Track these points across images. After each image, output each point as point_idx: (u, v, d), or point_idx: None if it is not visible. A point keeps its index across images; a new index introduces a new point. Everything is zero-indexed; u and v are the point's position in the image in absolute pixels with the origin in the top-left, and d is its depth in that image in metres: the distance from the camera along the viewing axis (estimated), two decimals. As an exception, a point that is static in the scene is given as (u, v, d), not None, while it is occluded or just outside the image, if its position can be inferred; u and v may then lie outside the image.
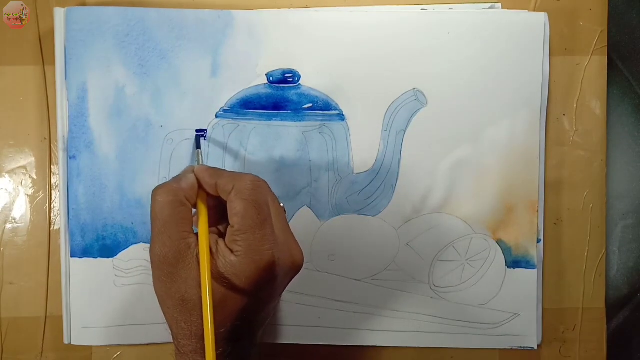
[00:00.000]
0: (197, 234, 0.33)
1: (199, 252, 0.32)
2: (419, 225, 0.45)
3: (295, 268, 0.35)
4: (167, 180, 0.44)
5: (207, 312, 0.30)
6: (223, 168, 0.36)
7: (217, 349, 0.31)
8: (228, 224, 0.33)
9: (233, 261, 0.32)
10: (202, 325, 0.31)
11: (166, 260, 0.32)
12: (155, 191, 0.33)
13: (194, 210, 0.34)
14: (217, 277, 0.32)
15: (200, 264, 0.31)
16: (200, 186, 0.35)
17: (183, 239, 0.32)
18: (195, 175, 0.35)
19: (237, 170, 0.44)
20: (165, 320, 0.34)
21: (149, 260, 0.44)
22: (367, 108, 0.44)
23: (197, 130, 0.44)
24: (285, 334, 0.45)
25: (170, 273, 0.32)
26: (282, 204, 0.37)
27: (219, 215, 0.36)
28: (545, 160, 0.46)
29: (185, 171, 0.36)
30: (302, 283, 0.45)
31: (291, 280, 0.35)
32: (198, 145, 0.43)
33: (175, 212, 0.32)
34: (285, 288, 0.36)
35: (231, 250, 0.32)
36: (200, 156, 0.42)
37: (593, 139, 0.46)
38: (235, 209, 0.32)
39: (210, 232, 0.33)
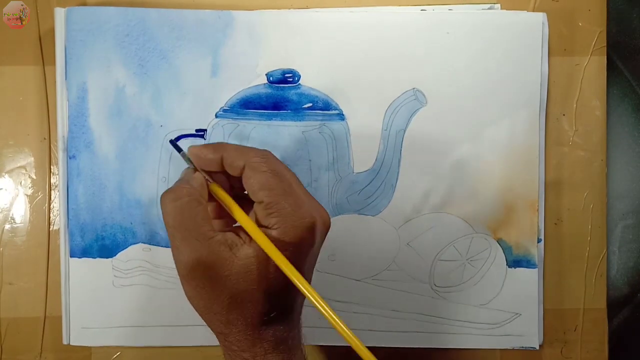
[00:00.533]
0: (223, 231, 0.31)
1: (233, 245, 0.30)
2: (420, 224, 0.45)
3: (327, 226, 0.33)
4: (165, 181, 0.44)
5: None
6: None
7: (265, 333, 0.30)
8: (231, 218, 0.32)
9: (275, 236, 0.30)
10: (257, 311, 0.30)
11: (202, 264, 0.30)
12: (165, 197, 0.31)
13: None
14: (260, 260, 0.30)
15: (257, 239, 0.30)
16: (207, 180, 0.33)
17: (212, 237, 0.30)
18: (194, 154, 0.33)
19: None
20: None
21: (149, 261, 0.44)
22: (367, 108, 0.44)
23: (172, 140, 0.43)
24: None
25: (209, 277, 0.30)
26: None
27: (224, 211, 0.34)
28: (545, 160, 0.46)
29: (185, 173, 0.34)
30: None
31: (324, 240, 0.34)
32: (178, 149, 0.42)
33: (196, 213, 0.30)
34: (320, 248, 0.34)
35: (267, 227, 0.31)
36: (187, 156, 0.41)
37: (593, 139, 0.46)
38: (257, 183, 0.31)
39: (235, 228, 0.32)
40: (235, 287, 0.30)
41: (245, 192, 0.33)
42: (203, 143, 0.44)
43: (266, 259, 0.30)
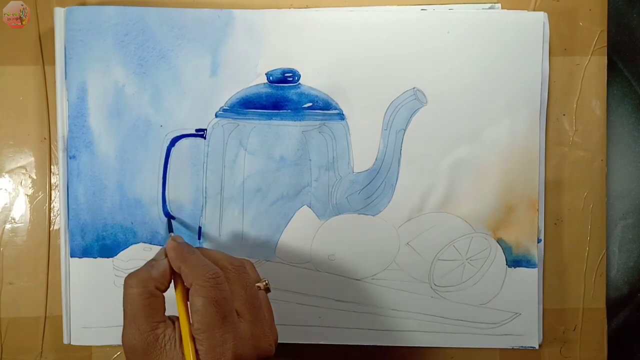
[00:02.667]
0: (171, 320, 0.33)
1: (167, 342, 0.32)
2: (419, 224, 0.45)
3: (265, 357, 0.34)
4: (167, 185, 0.44)
5: None
6: (193, 248, 0.36)
7: None
8: None
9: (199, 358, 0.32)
10: None
11: (135, 350, 0.32)
12: (126, 280, 0.33)
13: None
14: None
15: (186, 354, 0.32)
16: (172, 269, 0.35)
17: (152, 330, 0.32)
18: (169, 248, 0.35)
19: (236, 169, 0.44)
20: None
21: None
22: (367, 107, 0.44)
23: (166, 215, 0.44)
24: (286, 333, 0.45)
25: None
26: (265, 282, 0.36)
27: None
28: (546, 160, 0.46)
29: (159, 254, 0.36)
30: (303, 283, 0.45)
31: None
32: (170, 229, 0.44)
33: (145, 303, 0.33)
34: None
35: (195, 348, 0.32)
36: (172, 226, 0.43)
37: (593, 139, 0.46)
38: (194, 306, 0.32)
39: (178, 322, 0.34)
40: None
41: None
42: (204, 143, 0.44)
43: None
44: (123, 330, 0.33)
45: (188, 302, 0.33)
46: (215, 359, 0.31)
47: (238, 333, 0.33)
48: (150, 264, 0.35)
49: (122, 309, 0.44)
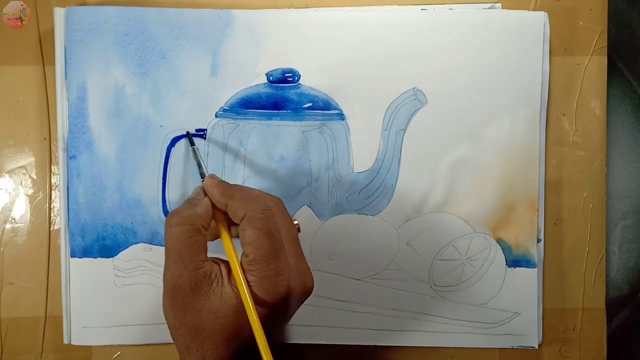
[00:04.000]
0: (213, 261, 0.33)
1: (214, 280, 0.32)
2: (419, 224, 0.45)
3: (307, 293, 0.34)
4: (167, 186, 0.44)
5: (260, 340, 0.30)
6: (232, 183, 0.36)
7: None
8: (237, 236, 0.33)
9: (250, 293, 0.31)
10: (214, 354, 0.31)
11: (181, 289, 0.31)
12: (170, 219, 0.32)
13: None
14: (232, 308, 0.31)
15: (240, 291, 0.31)
16: (214, 206, 0.34)
17: (199, 268, 0.32)
18: (207, 186, 0.34)
19: (236, 169, 0.44)
20: (165, 322, 0.34)
21: (150, 260, 0.44)
22: (367, 107, 0.44)
23: (185, 136, 0.44)
24: (286, 333, 0.45)
25: (185, 303, 0.31)
26: (296, 222, 0.36)
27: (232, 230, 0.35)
28: (546, 160, 0.46)
29: (197, 193, 0.35)
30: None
31: (301, 304, 0.35)
32: (192, 142, 0.43)
33: (191, 241, 0.32)
34: (294, 312, 0.35)
35: (246, 280, 0.32)
36: (198, 154, 0.41)
37: (593, 139, 0.46)
38: (248, 237, 0.32)
39: (222, 262, 0.33)
40: (203, 321, 0.31)
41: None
42: (205, 143, 0.44)
43: (238, 308, 0.31)
44: (166, 271, 0.32)
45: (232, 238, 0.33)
46: (270, 290, 0.31)
47: (289, 265, 0.32)
48: (191, 202, 0.34)
49: (122, 308, 0.44)
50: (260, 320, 0.31)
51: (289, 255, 0.33)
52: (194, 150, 0.42)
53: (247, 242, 0.32)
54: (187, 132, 0.44)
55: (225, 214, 0.34)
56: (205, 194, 0.35)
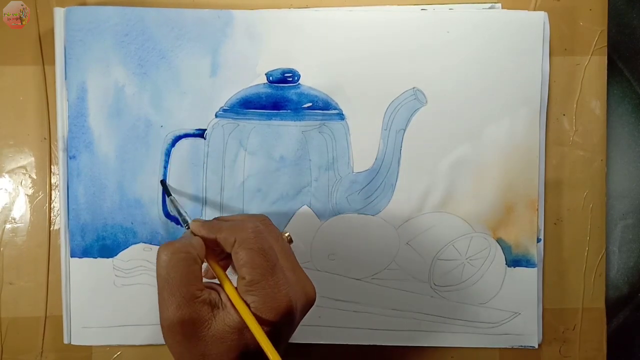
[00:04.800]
0: (209, 287, 0.33)
1: (214, 308, 0.31)
2: (419, 224, 0.45)
3: (310, 303, 0.34)
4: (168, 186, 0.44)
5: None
6: (220, 217, 0.36)
7: None
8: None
9: (252, 314, 0.31)
10: None
11: (182, 322, 0.31)
12: (163, 249, 0.32)
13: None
14: (236, 330, 0.31)
15: (241, 313, 0.31)
16: (207, 244, 0.34)
17: (197, 297, 0.31)
18: (194, 229, 0.34)
19: (236, 169, 0.44)
20: None
21: (150, 260, 0.44)
22: (366, 107, 0.44)
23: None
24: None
25: (187, 333, 0.31)
26: (287, 234, 0.36)
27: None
28: (545, 160, 0.46)
29: (187, 234, 0.35)
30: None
31: (305, 315, 0.35)
32: (168, 193, 0.43)
33: (188, 271, 0.31)
34: (299, 323, 0.35)
35: (246, 303, 0.31)
36: (177, 204, 0.40)
37: (593, 139, 0.46)
38: (242, 259, 0.32)
39: (218, 287, 0.33)
40: (208, 348, 0.31)
41: None
42: (204, 143, 0.44)
43: (241, 329, 0.31)
44: (163, 309, 0.31)
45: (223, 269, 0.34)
46: (272, 307, 0.31)
47: (287, 279, 0.32)
48: (184, 237, 0.34)
49: (122, 308, 0.44)
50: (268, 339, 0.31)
51: (285, 269, 0.33)
52: (171, 201, 0.41)
53: (242, 264, 0.32)
54: (162, 181, 0.44)
55: (215, 249, 0.34)
56: (194, 235, 0.35)
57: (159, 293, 0.32)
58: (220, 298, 0.32)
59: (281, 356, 0.30)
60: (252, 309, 0.31)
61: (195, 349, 0.31)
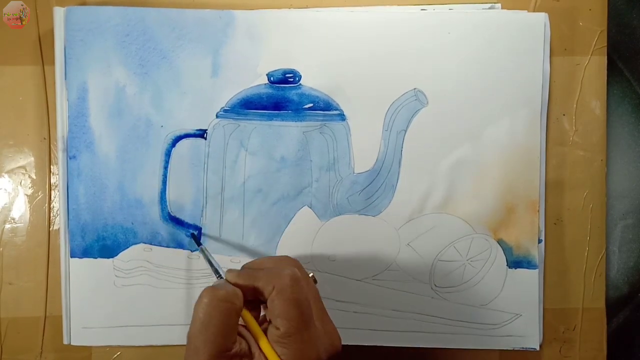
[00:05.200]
0: (239, 335, 0.32)
1: (244, 356, 0.31)
2: (420, 225, 0.45)
3: (336, 354, 0.34)
4: (167, 185, 0.44)
5: None
6: (252, 265, 0.35)
7: None
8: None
9: None
10: None
11: None
12: (208, 294, 0.31)
13: None
14: None
15: None
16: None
17: (230, 350, 0.31)
18: (230, 279, 0.33)
19: (237, 170, 0.44)
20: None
21: (150, 261, 0.44)
22: (367, 108, 0.44)
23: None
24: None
25: None
26: (311, 274, 0.35)
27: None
28: (546, 160, 0.46)
29: (222, 282, 0.34)
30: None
31: None
32: (199, 243, 0.42)
33: (230, 322, 0.31)
34: None
35: (276, 353, 0.31)
36: (207, 253, 0.40)
37: (593, 139, 0.46)
38: (278, 309, 0.31)
39: (248, 335, 0.33)
40: None
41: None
42: (205, 144, 0.44)
43: None
44: (193, 353, 0.30)
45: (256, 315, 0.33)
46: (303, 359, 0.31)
47: (318, 333, 0.32)
48: (227, 286, 0.33)
49: (122, 309, 0.44)
50: None
51: (316, 319, 0.32)
52: (202, 251, 0.40)
53: (277, 315, 0.31)
54: (192, 234, 0.44)
55: (248, 299, 0.33)
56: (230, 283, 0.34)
57: (191, 335, 0.31)
58: (250, 349, 0.31)
59: None
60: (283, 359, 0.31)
61: None
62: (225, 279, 0.34)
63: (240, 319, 0.32)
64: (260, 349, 0.31)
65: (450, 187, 0.45)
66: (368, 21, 0.44)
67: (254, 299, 0.33)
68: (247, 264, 0.36)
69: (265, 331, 0.32)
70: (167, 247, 0.45)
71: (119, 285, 0.44)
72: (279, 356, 0.31)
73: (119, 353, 0.46)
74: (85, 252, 0.44)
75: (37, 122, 0.46)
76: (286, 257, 0.35)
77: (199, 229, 0.44)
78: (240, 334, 0.32)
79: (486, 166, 0.45)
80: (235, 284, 0.33)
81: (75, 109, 0.44)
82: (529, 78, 0.45)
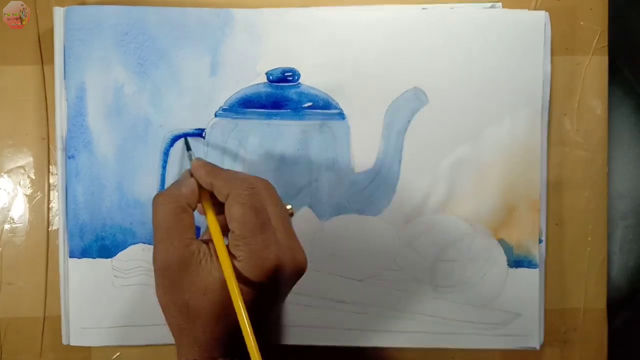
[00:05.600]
0: (201, 240, 0.33)
1: (202, 258, 0.32)
2: (420, 224, 0.45)
3: (299, 271, 0.34)
4: (167, 185, 0.44)
5: (240, 313, 0.30)
6: (220, 166, 0.36)
7: (218, 358, 0.31)
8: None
9: (237, 267, 0.31)
10: (206, 332, 0.31)
11: (169, 268, 0.31)
12: (156, 198, 0.33)
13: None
14: (221, 285, 0.31)
15: (222, 267, 0.31)
16: (201, 187, 0.35)
17: (186, 245, 0.32)
18: (194, 167, 0.35)
19: (236, 169, 0.44)
20: (165, 323, 0.33)
21: (149, 261, 0.44)
22: (367, 107, 0.44)
23: (184, 135, 0.44)
24: (286, 334, 0.45)
25: (173, 281, 0.32)
26: (289, 207, 0.36)
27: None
28: (547, 160, 0.45)
29: (184, 175, 0.36)
30: (303, 283, 0.44)
31: (294, 283, 0.35)
32: (188, 147, 0.42)
33: (177, 219, 0.32)
34: (288, 292, 0.35)
35: (234, 256, 0.32)
36: (193, 157, 0.41)
37: (594, 139, 0.46)
38: (234, 214, 0.32)
39: (211, 242, 0.33)
40: (192, 297, 0.31)
41: None
42: (204, 142, 0.44)
43: (226, 285, 0.31)
44: (154, 250, 0.32)
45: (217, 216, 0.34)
46: (257, 264, 0.31)
47: (278, 240, 0.32)
48: (177, 183, 0.35)
49: (121, 309, 0.44)
50: (251, 299, 0.31)
51: (277, 232, 0.33)
52: (190, 155, 0.41)
53: (233, 219, 0.32)
54: (185, 139, 0.44)
55: (212, 195, 0.34)
56: (192, 176, 0.35)
57: (154, 238, 0.33)
58: (210, 251, 0.32)
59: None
60: (237, 263, 0.31)
61: (180, 298, 0.31)
62: (191, 166, 0.36)
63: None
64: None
65: (451, 186, 0.44)
66: (368, 20, 0.44)
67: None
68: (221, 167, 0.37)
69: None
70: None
71: (118, 286, 0.44)
72: (234, 257, 0.31)
73: (118, 353, 0.46)
74: (84, 252, 0.44)
75: (36, 121, 0.46)
76: (259, 178, 0.35)
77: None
78: (204, 242, 0.33)
79: (487, 165, 0.45)
80: (196, 174, 0.35)
81: (74, 109, 0.44)
82: (530, 77, 0.44)
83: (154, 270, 0.32)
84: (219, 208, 0.34)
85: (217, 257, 0.32)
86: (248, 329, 0.29)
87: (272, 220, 0.33)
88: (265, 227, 0.32)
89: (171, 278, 0.32)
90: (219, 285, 0.31)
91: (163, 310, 0.33)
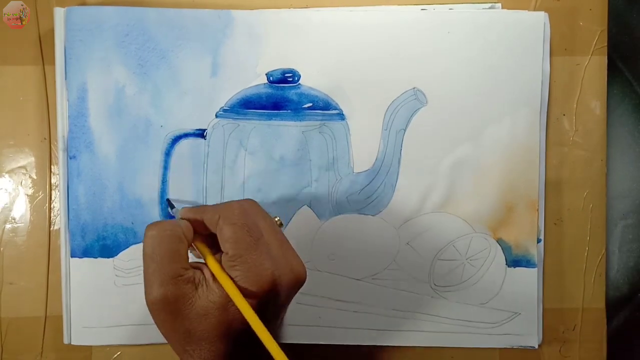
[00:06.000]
0: (193, 267, 0.33)
1: (198, 285, 0.32)
2: (419, 224, 0.45)
3: (299, 282, 0.34)
4: (167, 185, 0.44)
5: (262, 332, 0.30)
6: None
7: None
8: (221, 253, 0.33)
9: (237, 287, 0.31)
10: (212, 350, 0.31)
11: (165, 300, 0.31)
12: (150, 227, 0.33)
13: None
14: (220, 306, 0.31)
15: (225, 287, 0.31)
16: (195, 231, 0.34)
17: (181, 275, 0.31)
18: (183, 215, 0.35)
19: (237, 169, 0.44)
20: None
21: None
22: (367, 107, 0.44)
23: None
24: (286, 333, 0.45)
25: (170, 311, 0.31)
26: (277, 218, 0.37)
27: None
28: (546, 160, 0.46)
29: (175, 219, 0.36)
30: (303, 283, 0.45)
31: (295, 294, 0.35)
32: (172, 206, 0.43)
33: (173, 248, 0.32)
34: (289, 303, 0.35)
35: (231, 277, 0.32)
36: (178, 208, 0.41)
37: (593, 139, 0.46)
38: (225, 234, 0.32)
39: (203, 266, 0.33)
40: (193, 325, 0.31)
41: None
42: (205, 144, 0.44)
43: (225, 305, 0.31)
44: (148, 287, 0.31)
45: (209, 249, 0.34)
46: (255, 281, 0.31)
47: (272, 255, 0.32)
48: (172, 220, 0.35)
49: (122, 308, 0.44)
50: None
51: (271, 246, 0.33)
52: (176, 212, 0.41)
53: (225, 240, 0.32)
54: (167, 200, 0.44)
55: (204, 233, 0.34)
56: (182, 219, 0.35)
57: (144, 271, 0.32)
58: (204, 276, 0.32)
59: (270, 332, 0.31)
60: (235, 283, 0.31)
61: (181, 327, 0.31)
62: (180, 213, 0.35)
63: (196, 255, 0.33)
64: (211, 272, 0.32)
65: (450, 186, 0.45)
66: (368, 21, 0.44)
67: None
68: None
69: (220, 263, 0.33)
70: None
71: (119, 285, 0.45)
72: (231, 278, 0.31)
73: (119, 353, 0.46)
74: (85, 252, 0.44)
75: (37, 122, 0.46)
76: (243, 199, 0.35)
77: None
78: (196, 267, 0.33)
79: (486, 165, 0.45)
80: (185, 217, 0.35)
81: (75, 109, 0.44)
82: (529, 77, 0.44)
83: (149, 305, 0.32)
84: (211, 249, 0.34)
85: (214, 280, 0.32)
86: (266, 337, 0.30)
87: (264, 236, 0.33)
88: (259, 244, 0.32)
89: (169, 310, 0.31)
90: (218, 308, 0.31)
91: (165, 337, 0.33)
